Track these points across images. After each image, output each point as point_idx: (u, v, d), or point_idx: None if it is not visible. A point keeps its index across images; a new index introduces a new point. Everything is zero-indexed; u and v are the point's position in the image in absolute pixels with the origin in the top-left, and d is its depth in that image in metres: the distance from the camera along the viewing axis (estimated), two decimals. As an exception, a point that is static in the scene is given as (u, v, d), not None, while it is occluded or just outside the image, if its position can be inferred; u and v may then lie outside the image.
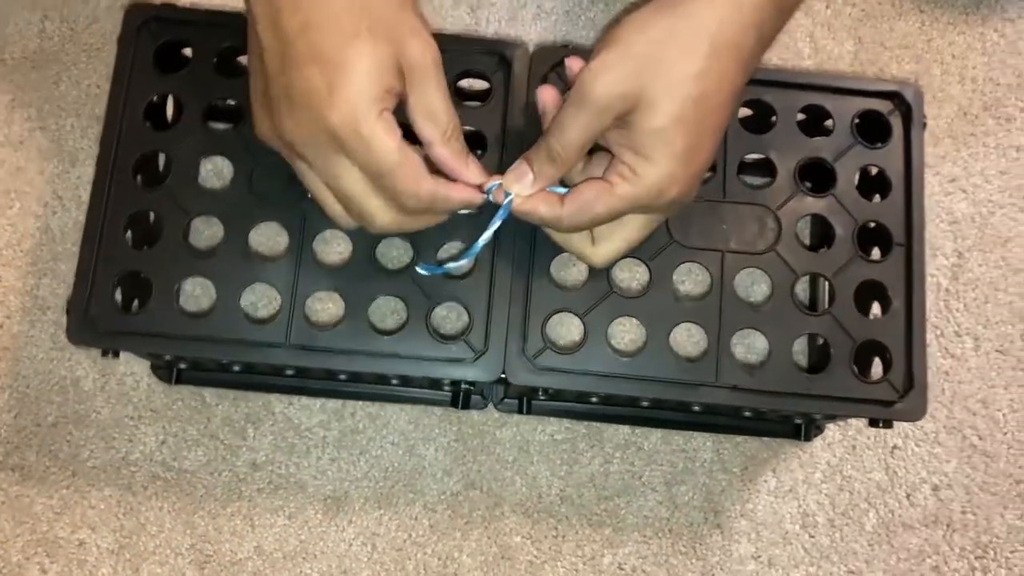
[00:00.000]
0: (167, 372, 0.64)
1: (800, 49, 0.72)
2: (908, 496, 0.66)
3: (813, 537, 0.65)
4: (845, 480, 0.66)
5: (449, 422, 0.66)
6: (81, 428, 0.65)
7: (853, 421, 0.66)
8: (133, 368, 0.65)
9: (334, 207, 0.49)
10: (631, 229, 0.50)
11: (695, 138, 0.46)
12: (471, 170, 0.49)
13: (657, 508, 0.65)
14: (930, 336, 0.68)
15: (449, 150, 0.48)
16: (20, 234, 0.67)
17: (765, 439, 0.66)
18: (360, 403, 0.66)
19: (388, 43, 0.45)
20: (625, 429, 0.66)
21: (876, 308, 0.57)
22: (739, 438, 0.66)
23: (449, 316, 0.62)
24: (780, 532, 0.65)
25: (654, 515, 0.65)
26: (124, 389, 0.65)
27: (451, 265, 0.52)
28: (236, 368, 0.63)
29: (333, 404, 0.65)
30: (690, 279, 0.65)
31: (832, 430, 0.66)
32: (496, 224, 0.49)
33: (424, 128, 0.47)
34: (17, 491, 0.64)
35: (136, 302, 0.57)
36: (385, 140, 0.44)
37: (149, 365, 0.65)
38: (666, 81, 0.45)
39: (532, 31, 0.72)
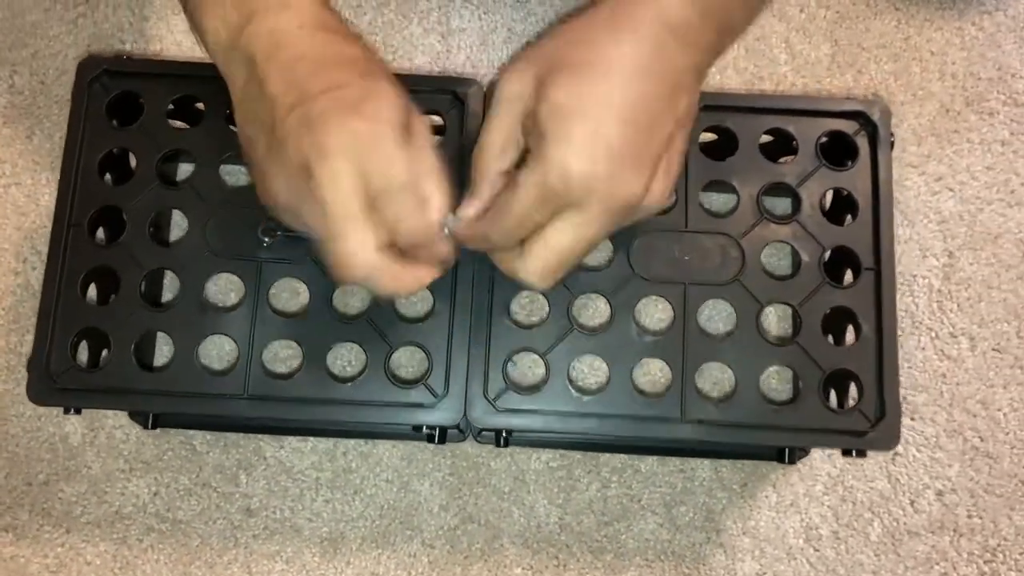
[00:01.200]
0: (143, 418, 0.64)
1: (776, 56, 0.71)
2: (912, 503, 0.65)
3: (818, 551, 0.64)
4: (847, 491, 0.65)
5: (443, 456, 0.65)
6: (72, 484, 0.64)
7: (852, 430, 0.66)
8: (121, 421, 0.65)
9: (361, 236, 0.45)
10: (558, 233, 0.44)
11: (596, 110, 0.42)
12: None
13: (658, 531, 0.64)
14: (925, 338, 0.67)
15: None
16: (0, 292, 0.67)
17: (763, 454, 0.65)
18: (352, 442, 0.65)
19: (398, 91, 0.46)
20: (621, 452, 0.65)
21: (851, 334, 0.56)
22: (737, 454, 0.65)
23: (411, 360, 0.62)
24: (784, 548, 0.64)
25: (655, 538, 0.64)
26: (113, 443, 0.65)
27: None
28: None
29: (324, 445, 0.65)
30: (653, 313, 0.64)
31: (831, 441, 0.65)
32: None
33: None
34: (12, 552, 0.63)
35: (105, 355, 0.57)
36: (403, 154, 0.44)
37: (127, 414, 0.65)
38: (560, 62, 0.43)
39: (504, 54, 0.71)
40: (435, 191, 0.45)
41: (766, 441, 0.54)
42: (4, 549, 0.63)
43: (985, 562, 0.64)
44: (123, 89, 0.57)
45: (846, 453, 0.55)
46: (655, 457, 0.65)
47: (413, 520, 0.64)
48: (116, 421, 0.65)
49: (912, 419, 0.66)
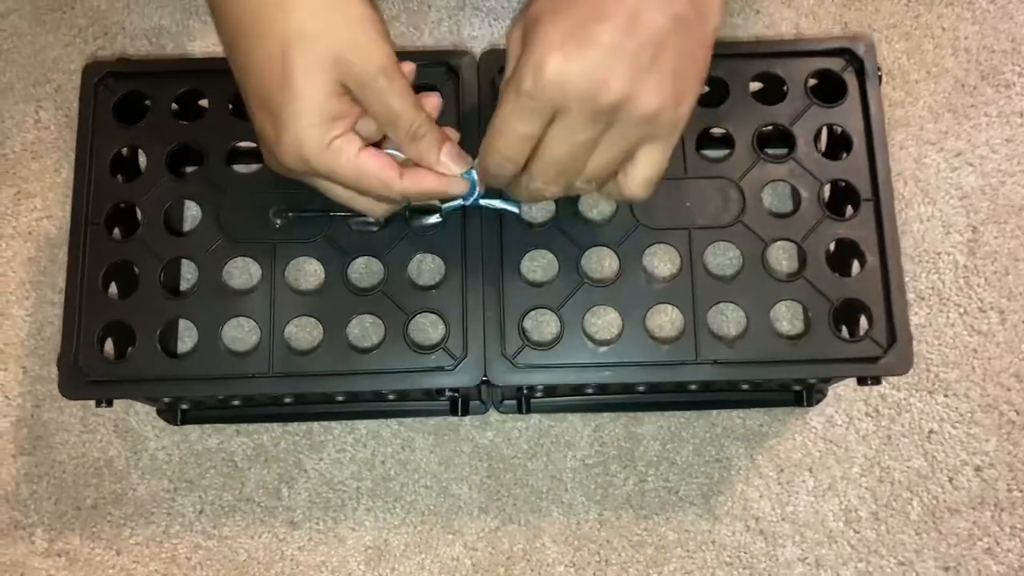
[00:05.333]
0: (171, 415, 0.65)
1: (787, 42, 0.72)
2: (951, 480, 0.65)
3: (858, 532, 0.64)
4: (884, 471, 0.65)
5: (479, 459, 0.66)
6: (120, 507, 0.66)
7: (885, 410, 0.66)
8: (163, 442, 0.66)
9: (363, 202, 0.51)
10: (549, 141, 0.44)
11: (569, 10, 0.41)
12: (443, 164, 0.49)
13: (697, 522, 0.64)
14: (953, 315, 0.67)
15: (416, 149, 0.49)
16: (39, 323, 0.68)
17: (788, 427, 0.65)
18: (390, 450, 0.66)
19: (323, 70, 0.45)
20: (656, 446, 0.65)
21: (856, 266, 0.57)
22: (771, 440, 0.65)
23: (429, 327, 0.63)
24: (824, 532, 0.64)
25: (695, 529, 0.64)
26: (156, 464, 0.66)
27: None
28: (236, 403, 0.64)
29: (362, 455, 0.66)
30: (660, 260, 0.64)
31: (864, 421, 0.65)
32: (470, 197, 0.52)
33: (389, 134, 0.49)
34: (65, 576, 0.65)
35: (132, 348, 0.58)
36: (340, 164, 0.47)
37: (155, 410, 0.66)
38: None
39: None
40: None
41: (781, 375, 0.55)
42: (58, 574, 0.65)
43: (1028, 535, 0.64)
44: (128, 89, 0.59)
45: (861, 382, 0.56)
46: (691, 448, 0.65)
47: (454, 524, 0.65)
48: (158, 443, 0.66)
49: (945, 395, 0.66)
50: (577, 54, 0.41)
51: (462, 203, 0.54)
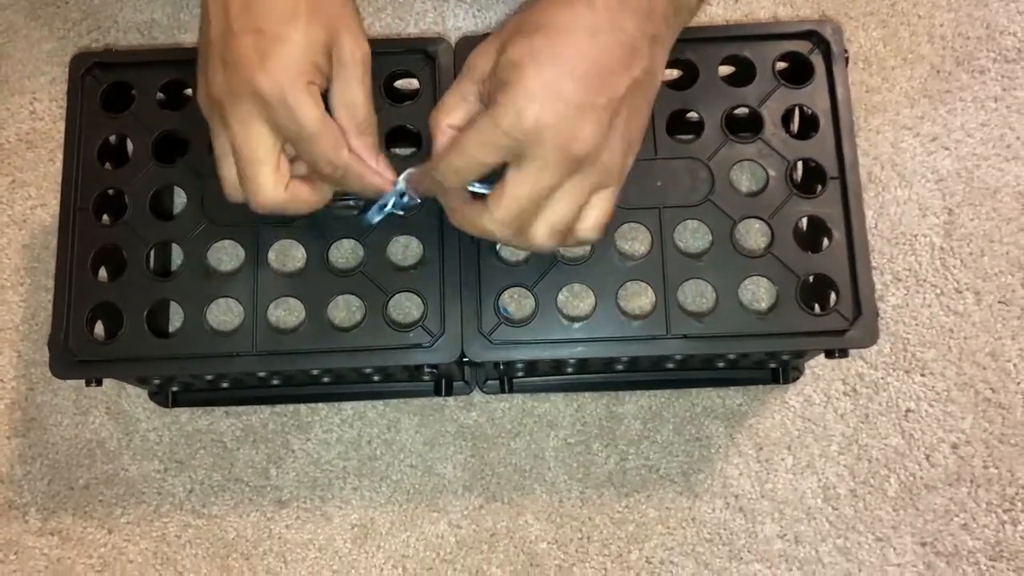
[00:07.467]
0: (162, 397, 0.67)
1: (765, 30, 0.73)
2: (928, 457, 0.66)
3: (837, 509, 0.65)
4: (862, 449, 0.66)
5: (463, 438, 0.67)
6: (112, 487, 0.67)
7: (862, 389, 0.67)
8: (154, 424, 0.68)
9: (230, 174, 0.51)
10: (515, 179, 0.46)
11: (549, 62, 0.45)
12: (381, 164, 0.52)
13: (678, 499, 0.66)
14: (930, 295, 0.68)
15: (362, 142, 0.51)
16: (33, 308, 0.70)
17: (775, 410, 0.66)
18: (375, 430, 0.67)
19: (323, 29, 0.48)
20: (637, 424, 0.67)
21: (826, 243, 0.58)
22: (751, 419, 0.67)
23: (408, 308, 0.64)
24: (803, 508, 0.65)
25: (675, 506, 0.65)
26: (148, 445, 0.67)
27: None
28: (225, 385, 0.65)
29: (349, 435, 0.67)
30: (632, 239, 0.66)
31: (842, 400, 0.66)
32: (389, 202, 0.53)
33: (341, 117, 0.50)
34: (58, 554, 0.66)
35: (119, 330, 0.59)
36: (311, 106, 0.48)
37: (147, 394, 0.68)
38: (518, 28, 0.46)
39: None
40: (348, 130, 0.50)
41: (750, 349, 0.56)
42: (51, 552, 0.66)
43: (1004, 511, 0.65)
44: (114, 79, 0.61)
45: (829, 355, 0.57)
46: (671, 427, 0.67)
47: (439, 502, 0.66)
48: (149, 424, 0.68)
49: (922, 375, 0.67)
50: (553, 107, 0.44)
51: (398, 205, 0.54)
